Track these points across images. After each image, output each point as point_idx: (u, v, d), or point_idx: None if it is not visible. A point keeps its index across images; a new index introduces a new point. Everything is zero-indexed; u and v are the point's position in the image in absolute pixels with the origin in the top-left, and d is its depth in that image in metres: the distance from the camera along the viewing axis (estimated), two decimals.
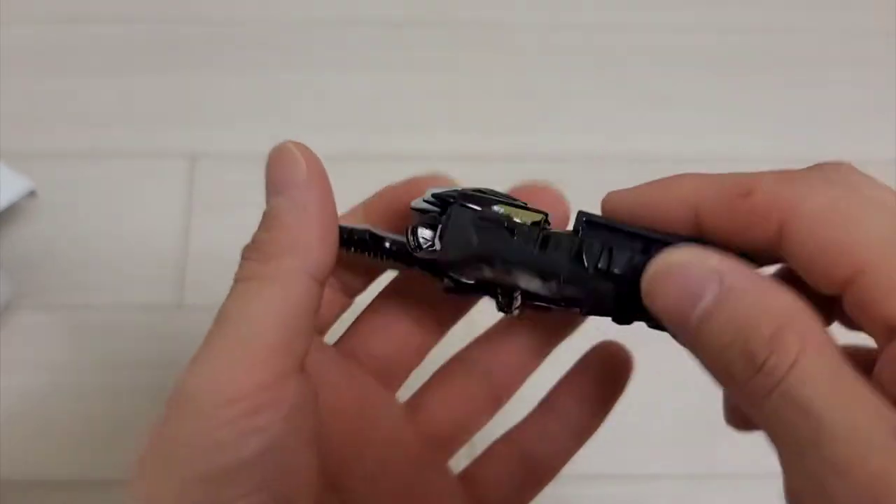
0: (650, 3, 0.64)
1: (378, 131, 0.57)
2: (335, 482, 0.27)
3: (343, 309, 0.30)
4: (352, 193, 0.56)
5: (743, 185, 0.22)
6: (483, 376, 0.30)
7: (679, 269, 0.21)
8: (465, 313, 0.30)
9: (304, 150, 0.26)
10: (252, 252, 0.24)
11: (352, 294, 0.30)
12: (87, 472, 0.46)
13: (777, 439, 0.19)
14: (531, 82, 0.60)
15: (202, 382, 0.22)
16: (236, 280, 0.24)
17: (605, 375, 0.30)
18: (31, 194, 0.52)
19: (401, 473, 0.29)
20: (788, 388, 0.18)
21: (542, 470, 0.30)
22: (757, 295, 0.20)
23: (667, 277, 0.21)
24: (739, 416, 0.25)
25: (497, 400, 0.30)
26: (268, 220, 0.24)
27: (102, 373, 0.48)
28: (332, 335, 0.30)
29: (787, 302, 0.20)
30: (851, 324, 0.22)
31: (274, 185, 0.25)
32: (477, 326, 0.31)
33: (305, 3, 0.62)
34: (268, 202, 0.25)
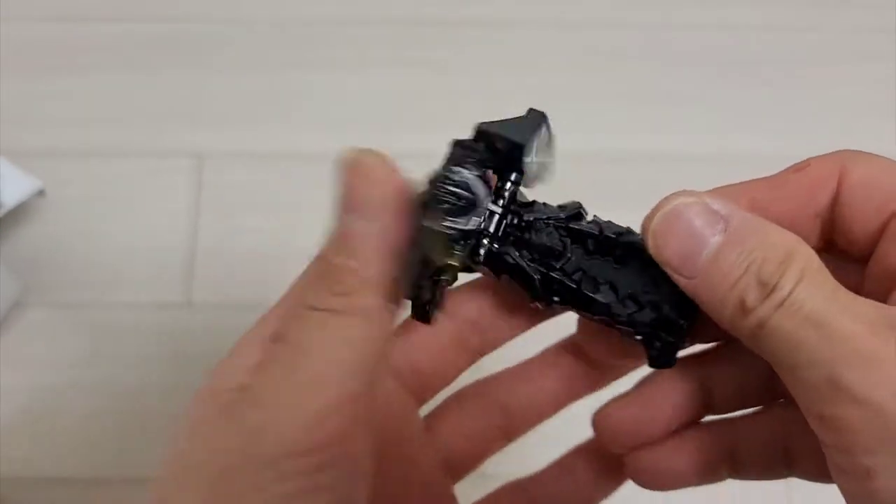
0: (655, 1, 0.64)
1: (383, 130, 0.57)
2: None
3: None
4: None
5: (793, 166, 0.25)
6: (501, 409, 0.29)
7: (685, 212, 0.22)
8: (511, 337, 0.28)
9: (386, 164, 0.23)
10: (330, 280, 0.22)
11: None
12: (95, 469, 0.46)
13: (784, 355, 0.21)
14: (535, 81, 0.60)
15: (270, 425, 0.20)
16: (311, 307, 0.22)
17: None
18: (40, 193, 0.52)
19: (418, 495, 0.28)
20: (795, 301, 0.21)
21: None
22: (763, 231, 0.22)
23: (675, 221, 0.22)
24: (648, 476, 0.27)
25: (510, 434, 0.30)
26: (345, 243, 0.22)
27: (110, 370, 0.48)
28: None
29: (789, 237, 0.22)
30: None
31: (351, 202, 0.22)
32: (504, 361, 0.30)
33: (312, 2, 0.62)
34: (343, 219, 0.22)
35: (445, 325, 0.27)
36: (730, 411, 0.27)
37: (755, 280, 0.21)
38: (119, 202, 0.54)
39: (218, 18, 0.61)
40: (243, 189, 0.54)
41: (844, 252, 0.25)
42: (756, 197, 0.25)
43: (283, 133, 0.57)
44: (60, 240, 0.52)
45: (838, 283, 0.21)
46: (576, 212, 0.26)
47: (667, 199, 0.23)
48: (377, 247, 0.22)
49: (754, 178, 0.26)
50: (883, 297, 0.23)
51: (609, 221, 0.26)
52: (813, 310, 0.20)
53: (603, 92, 0.59)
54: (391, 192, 0.23)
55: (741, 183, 0.25)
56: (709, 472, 0.27)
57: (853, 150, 0.25)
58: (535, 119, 0.26)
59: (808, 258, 0.21)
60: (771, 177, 0.25)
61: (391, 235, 0.22)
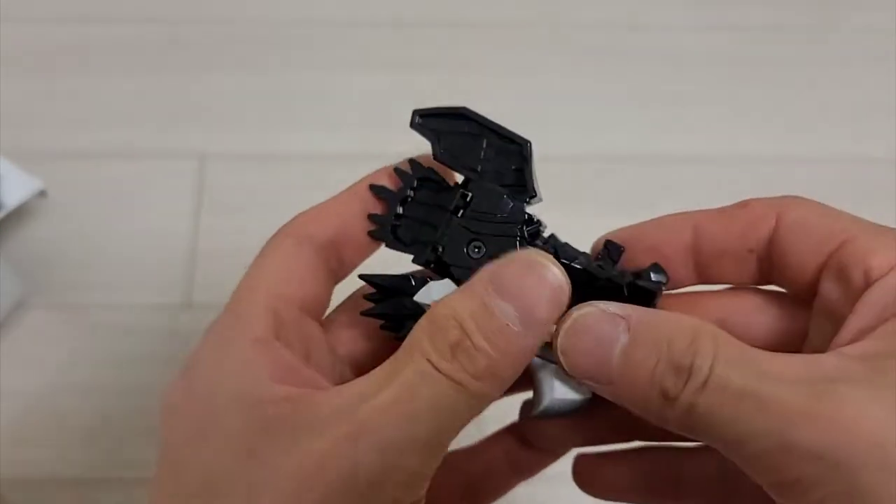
0: (658, 2, 0.64)
1: (388, 131, 0.56)
2: None
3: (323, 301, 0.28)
4: None
5: (738, 203, 0.26)
6: (463, 474, 0.29)
7: (585, 322, 0.23)
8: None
9: (560, 281, 0.23)
10: (463, 355, 0.22)
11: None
12: (96, 470, 0.46)
13: (723, 433, 0.21)
14: (539, 82, 0.60)
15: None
16: (427, 360, 0.22)
17: None
18: (41, 194, 0.52)
19: None
20: (718, 379, 0.21)
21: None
22: (664, 320, 0.22)
23: (579, 333, 0.23)
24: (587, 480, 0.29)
25: (474, 498, 0.30)
26: (490, 324, 0.22)
27: (111, 371, 0.48)
28: None
29: (691, 319, 0.22)
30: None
31: (510, 292, 0.22)
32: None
33: (314, 3, 0.62)
34: (493, 300, 0.22)
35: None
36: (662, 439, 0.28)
37: (670, 367, 0.21)
38: (120, 203, 0.54)
39: (219, 20, 0.61)
40: (245, 191, 0.54)
41: (786, 290, 0.26)
42: (698, 225, 0.26)
43: (284, 135, 0.57)
44: (61, 241, 0.52)
45: (749, 348, 0.22)
46: (534, 229, 0.26)
47: (566, 315, 0.23)
48: (514, 350, 0.22)
49: (703, 209, 0.27)
50: (828, 339, 0.23)
51: (566, 244, 0.26)
52: (740, 384, 0.21)
53: (605, 93, 0.59)
54: (556, 313, 0.23)
55: (687, 212, 0.26)
56: (647, 494, 0.28)
57: (793, 196, 0.26)
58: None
59: (714, 333, 0.22)
60: (716, 209, 0.26)
61: (530, 349, 0.22)
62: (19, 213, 0.52)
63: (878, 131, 0.58)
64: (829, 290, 0.24)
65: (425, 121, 0.27)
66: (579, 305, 0.23)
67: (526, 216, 0.26)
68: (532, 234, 0.26)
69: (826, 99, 0.60)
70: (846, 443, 0.19)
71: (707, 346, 0.21)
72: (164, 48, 0.60)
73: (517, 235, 0.25)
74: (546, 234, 0.26)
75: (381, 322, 0.26)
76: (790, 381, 0.20)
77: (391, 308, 0.26)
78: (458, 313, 0.22)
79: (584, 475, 0.29)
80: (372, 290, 0.26)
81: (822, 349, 0.23)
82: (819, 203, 0.25)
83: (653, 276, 0.25)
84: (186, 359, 0.24)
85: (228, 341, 0.23)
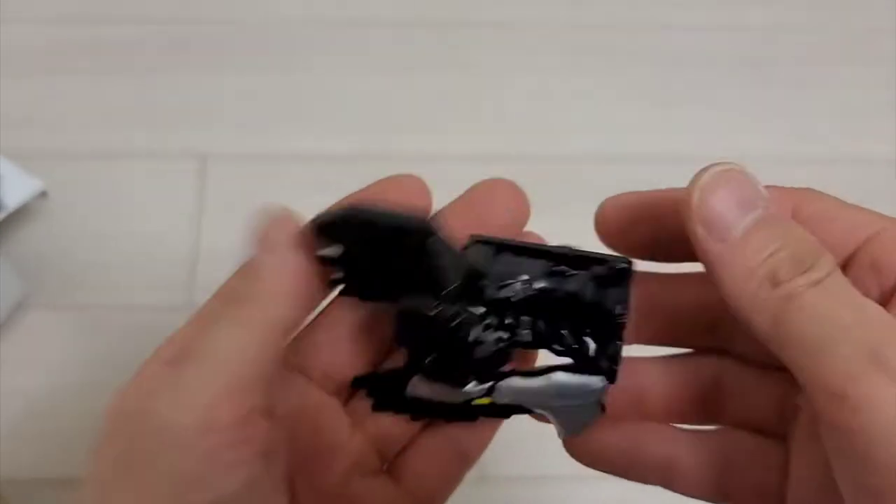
0: (662, 2, 0.64)
1: (389, 132, 0.57)
2: None
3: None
4: None
5: None
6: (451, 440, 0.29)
7: (738, 176, 0.23)
8: None
9: (293, 215, 0.25)
10: (226, 296, 0.24)
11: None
12: None
13: (812, 332, 0.21)
14: (541, 83, 0.60)
15: (179, 411, 0.22)
16: (205, 318, 0.23)
17: None
18: (42, 195, 0.52)
19: (340, 484, 0.28)
20: (832, 284, 0.21)
21: (467, 452, 0.30)
22: (800, 227, 0.23)
23: (726, 182, 0.23)
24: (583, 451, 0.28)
25: (465, 461, 0.30)
26: (246, 269, 0.24)
27: (112, 372, 0.48)
28: None
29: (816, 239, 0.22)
30: None
31: (260, 242, 0.24)
32: None
33: (317, 4, 0.62)
34: (250, 255, 0.25)
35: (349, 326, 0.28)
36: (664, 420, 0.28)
37: (791, 256, 0.21)
38: (122, 204, 0.54)
39: (221, 20, 0.61)
40: (246, 191, 0.54)
41: None
42: None
43: (286, 135, 0.57)
44: (63, 241, 0.52)
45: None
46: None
47: (720, 162, 0.23)
48: (277, 272, 0.24)
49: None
50: None
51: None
52: (849, 294, 0.21)
53: (608, 93, 0.59)
54: (293, 233, 0.24)
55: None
56: (640, 470, 0.27)
57: (805, 188, 0.25)
58: None
59: (832, 258, 0.22)
60: None
61: (291, 267, 0.24)
62: (20, 214, 0.52)
63: (878, 131, 0.58)
64: (860, 285, 0.23)
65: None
66: (724, 160, 0.23)
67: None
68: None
69: (826, 99, 0.60)
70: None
71: (830, 259, 0.21)
72: (165, 48, 0.60)
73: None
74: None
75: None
76: (886, 311, 0.21)
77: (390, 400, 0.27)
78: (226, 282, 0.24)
79: (574, 443, 0.28)
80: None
81: None
82: (836, 197, 0.25)
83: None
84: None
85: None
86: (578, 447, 0.28)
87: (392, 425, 0.29)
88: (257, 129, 0.57)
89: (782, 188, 0.25)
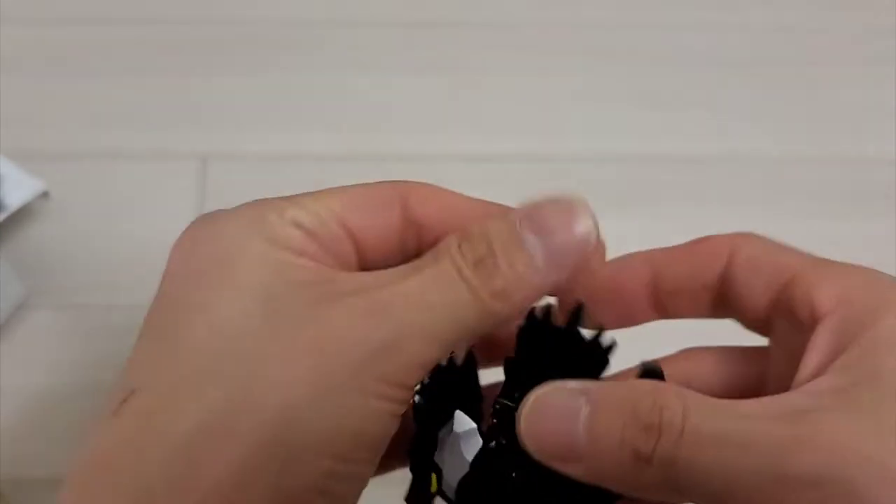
0: (661, 3, 0.64)
1: (388, 132, 0.57)
2: None
3: None
4: None
5: (696, 239, 0.26)
6: None
7: (545, 400, 0.23)
8: None
9: (590, 230, 0.25)
10: (484, 270, 0.23)
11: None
12: None
13: (711, 483, 0.20)
14: (542, 83, 0.60)
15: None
16: (446, 271, 0.23)
17: None
18: (44, 195, 0.52)
19: None
20: (694, 429, 0.20)
21: None
22: (624, 386, 0.23)
23: (541, 411, 0.22)
24: None
25: None
26: (515, 251, 0.23)
27: (113, 373, 0.48)
28: None
29: (650, 382, 0.23)
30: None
31: (542, 228, 0.24)
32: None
33: (316, 4, 0.62)
34: (524, 230, 0.24)
35: None
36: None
37: (638, 427, 0.21)
38: (123, 204, 0.54)
39: (222, 21, 0.61)
40: (248, 192, 0.54)
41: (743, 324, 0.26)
42: (656, 263, 0.26)
43: (287, 135, 0.57)
44: (64, 242, 0.52)
45: (715, 398, 0.22)
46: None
47: (525, 398, 0.23)
48: (531, 287, 0.23)
49: (662, 247, 0.27)
50: (788, 377, 0.23)
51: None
52: (719, 428, 0.20)
53: (608, 94, 0.59)
54: (577, 261, 0.24)
55: (647, 250, 0.27)
56: None
57: (748, 233, 0.26)
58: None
59: (676, 389, 0.21)
60: (674, 246, 0.26)
61: (550, 288, 0.24)
62: (21, 215, 0.52)
63: (878, 131, 0.58)
64: (782, 328, 0.24)
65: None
66: (538, 386, 0.23)
67: None
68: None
69: (826, 99, 0.60)
70: (839, 462, 0.19)
71: (673, 401, 0.21)
72: (166, 49, 0.60)
73: None
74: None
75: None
76: (768, 417, 0.20)
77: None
78: (490, 233, 0.23)
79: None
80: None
81: (784, 389, 0.22)
82: (771, 240, 0.25)
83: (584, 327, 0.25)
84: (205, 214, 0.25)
85: (260, 215, 0.25)
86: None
87: None
88: (257, 129, 0.57)
89: (722, 236, 0.26)
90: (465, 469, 0.24)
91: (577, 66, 0.61)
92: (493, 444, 0.25)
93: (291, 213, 0.25)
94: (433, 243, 0.25)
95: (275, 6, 0.62)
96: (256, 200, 0.26)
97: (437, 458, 0.25)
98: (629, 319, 0.27)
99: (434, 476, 0.25)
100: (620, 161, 0.56)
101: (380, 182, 0.27)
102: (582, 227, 0.24)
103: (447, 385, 0.26)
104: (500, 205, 0.26)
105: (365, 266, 0.26)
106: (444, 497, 0.25)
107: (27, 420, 0.47)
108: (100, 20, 0.61)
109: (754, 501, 0.20)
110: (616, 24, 0.63)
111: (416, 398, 0.26)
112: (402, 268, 0.23)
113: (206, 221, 0.26)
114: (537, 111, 0.58)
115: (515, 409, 0.23)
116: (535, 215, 0.24)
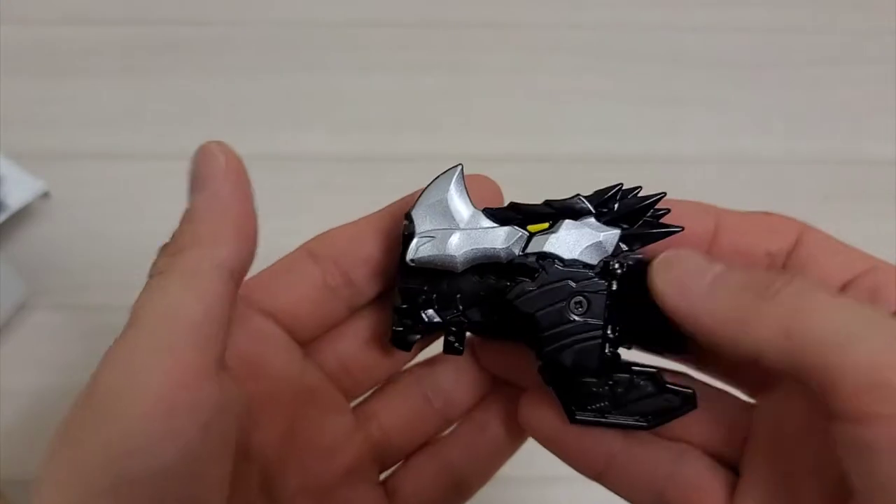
0: (662, 3, 0.64)
1: (390, 132, 0.57)
2: (270, 486, 0.26)
3: (338, 321, 0.28)
4: (364, 193, 0.56)
5: (759, 211, 0.26)
6: (435, 393, 0.29)
7: (685, 251, 0.24)
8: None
9: (224, 147, 0.25)
10: (166, 246, 0.23)
11: (352, 308, 0.28)
12: None
13: (823, 339, 0.20)
14: (543, 83, 0.60)
15: (114, 380, 0.21)
16: (150, 275, 0.23)
17: None
18: (45, 195, 0.52)
19: (335, 485, 0.27)
20: (820, 285, 0.21)
21: (464, 484, 0.29)
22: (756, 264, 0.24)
23: (678, 260, 0.23)
24: None
25: (446, 421, 0.29)
26: (186, 215, 0.24)
27: None
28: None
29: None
30: None
31: (194, 181, 0.24)
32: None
33: (317, 5, 0.62)
34: (189, 198, 0.24)
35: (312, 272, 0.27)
36: None
37: (767, 273, 0.22)
38: (124, 204, 0.54)
39: (223, 21, 0.61)
40: None
41: None
42: (722, 217, 0.26)
43: (287, 136, 0.57)
44: (65, 242, 0.52)
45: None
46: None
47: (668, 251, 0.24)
48: (210, 210, 0.23)
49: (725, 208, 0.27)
50: None
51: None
52: (829, 294, 0.21)
53: (608, 94, 0.59)
54: (224, 164, 0.24)
55: (712, 204, 0.27)
56: (576, 456, 0.27)
57: (807, 225, 0.26)
58: None
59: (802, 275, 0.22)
60: (739, 211, 0.26)
61: (228, 199, 0.24)
62: (22, 215, 0.52)
63: (878, 131, 0.58)
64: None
65: None
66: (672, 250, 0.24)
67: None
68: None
69: (826, 99, 0.60)
70: None
71: (799, 276, 0.22)
72: (166, 49, 0.60)
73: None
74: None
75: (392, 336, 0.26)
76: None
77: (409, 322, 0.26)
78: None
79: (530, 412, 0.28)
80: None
81: None
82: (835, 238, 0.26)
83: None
84: None
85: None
86: (530, 415, 0.27)
87: (395, 432, 0.29)
88: (259, 129, 0.57)
89: (787, 217, 0.26)
90: (568, 255, 0.25)
91: (577, 66, 0.61)
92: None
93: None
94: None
95: (275, 7, 0.62)
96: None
97: (565, 222, 0.25)
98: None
99: (546, 225, 0.25)
100: (620, 161, 0.56)
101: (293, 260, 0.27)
102: (197, 150, 0.25)
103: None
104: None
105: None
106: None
107: (27, 420, 0.47)
108: (100, 20, 0.61)
109: (854, 369, 0.20)
110: (616, 24, 0.63)
111: None
112: None
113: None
114: (537, 111, 0.58)
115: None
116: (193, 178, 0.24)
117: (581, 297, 0.24)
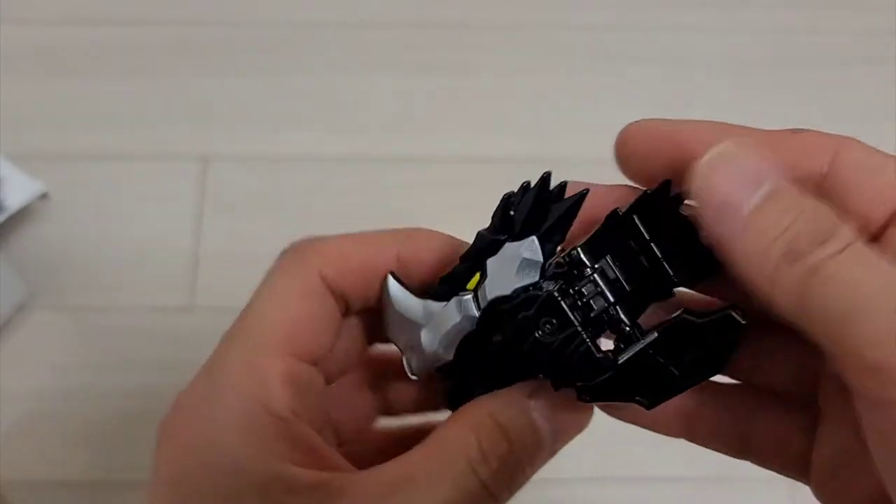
0: (662, 4, 0.64)
1: (389, 132, 0.57)
2: None
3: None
4: (364, 194, 0.56)
5: (788, 129, 0.23)
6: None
7: (738, 156, 0.21)
8: None
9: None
10: (507, 472, 0.23)
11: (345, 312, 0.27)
12: (99, 472, 0.46)
13: (840, 303, 0.19)
14: (543, 83, 0.60)
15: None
16: (465, 480, 0.22)
17: None
18: (44, 196, 0.52)
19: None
20: (858, 250, 0.19)
21: None
22: (809, 194, 0.21)
23: (726, 162, 0.21)
24: None
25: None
26: (532, 443, 0.24)
27: (114, 374, 0.48)
28: None
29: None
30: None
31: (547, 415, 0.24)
32: None
33: (318, 5, 0.62)
34: (539, 419, 0.24)
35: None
36: None
37: (807, 228, 0.20)
38: (123, 205, 0.54)
39: (223, 22, 0.61)
40: (248, 193, 0.54)
41: None
42: (753, 139, 0.24)
43: (287, 137, 0.57)
44: (64, 243, 0.52)
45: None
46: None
47: (714, 147, 0.22)
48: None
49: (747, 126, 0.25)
50: None
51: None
52: (873, 262, 0.19)
53: (608, 94, 0.59)
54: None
55: (743, 127, 0.25)
56: (663, 420, 0.26)
57: (849, 137, 0.23)
58: None
59: (855, 230, 0.20)
60: (763, 130, 0.24)
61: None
62: (21, 216, 0.52)
63: (878, 131, 0.57)
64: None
65: None
66: (723, 142, 0.22)
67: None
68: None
69: (826, 99, 0.60)
70: None
71: (850, 229, 0.20)
72: (167, 50, 0.60)
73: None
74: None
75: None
76: None
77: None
78: (504, 424, 0.22)
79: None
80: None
81: None
82: (879, 150, 0.23)
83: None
84: (183, 397, 0.25)
85: (246, 413, 0.23)
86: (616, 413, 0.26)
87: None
88: (257, 129, 0.57)
89: (822, 133, 0.23)
90: (509, 288, 0.24)
91: (577, 66, 0.61)
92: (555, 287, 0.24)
93: (269, 405, 0.23)
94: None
95: (275, 7, 0.62)
96: (227, 385, 0.24)
97: (489, 262, 0.24)
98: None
99: (478, 276, 0.24)
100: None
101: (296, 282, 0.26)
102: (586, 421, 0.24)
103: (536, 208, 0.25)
104: (382, 236, 0.26)
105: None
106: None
107: (27, 421, 0.47)
108: (100, 20, 0.61)
109: (866, 334, 0.19)
110: (616, 25, 0.63)
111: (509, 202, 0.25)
112: (415, 464, 0.22)
113: (186, 448, 0.24)
114: (537, 111, 0.58)
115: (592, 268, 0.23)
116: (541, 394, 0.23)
117: (545, 318, 0.23)
